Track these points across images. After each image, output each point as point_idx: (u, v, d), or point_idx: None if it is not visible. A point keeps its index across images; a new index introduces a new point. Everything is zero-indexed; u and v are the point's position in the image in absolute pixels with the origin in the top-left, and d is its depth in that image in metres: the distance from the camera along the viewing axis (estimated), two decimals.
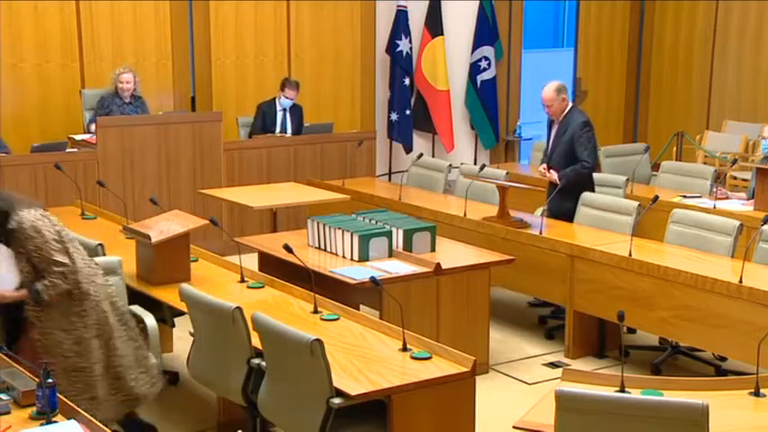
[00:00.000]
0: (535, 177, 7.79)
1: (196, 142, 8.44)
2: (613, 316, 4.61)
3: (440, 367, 4.05)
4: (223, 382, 4.46)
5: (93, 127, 8.28)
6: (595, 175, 7.39)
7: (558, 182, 6.72)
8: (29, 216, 4.24)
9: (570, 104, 6.88)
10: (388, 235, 5.78)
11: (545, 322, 6.94)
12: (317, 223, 5.96)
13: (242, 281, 5.29)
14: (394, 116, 10.58)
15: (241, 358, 4.28)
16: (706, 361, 6.15)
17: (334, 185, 8.01)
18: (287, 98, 9.13)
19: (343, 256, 5.76)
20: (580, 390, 3.54)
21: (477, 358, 4.06)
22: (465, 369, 4.01)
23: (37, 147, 7.92)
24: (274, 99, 9.24)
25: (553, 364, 6.20)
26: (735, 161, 8.85)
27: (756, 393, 3.82)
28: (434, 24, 10.71)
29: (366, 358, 4.15)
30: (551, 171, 6.83)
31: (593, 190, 6.90)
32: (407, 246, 5.85)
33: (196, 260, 5.60)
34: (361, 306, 5.60)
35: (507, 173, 7.60)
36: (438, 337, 5.35)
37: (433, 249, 5.95)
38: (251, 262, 5.79)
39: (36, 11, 8.81)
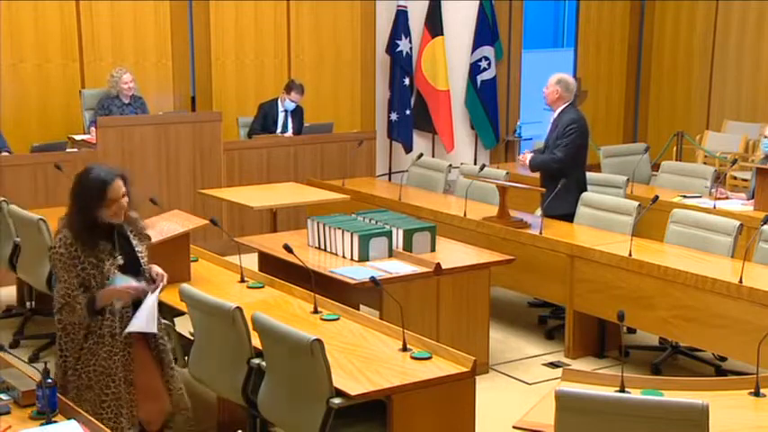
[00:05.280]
0: (535, 177, 7.78)
1: (196, 142, 8.43)
2: (613, 316, 4.62)
3: (440, 367, 4.05)
4: (223, 382, 4.46)
5: (93, 130, 8.27)
6: (596, 175, 7.38)
7: (528, 164, 6.93)
8: None
9: (567, 104, 6.85)
10: (388, 235, 5.77)
11: (545, 322, 6.94)
12: (317, 223, 5.96)
13: (242, 281, 5.29)
14: (394, 116, 10.57)
15: (241, 358, 4.27)
16: (706, 361, 6.15)
17: (334, 185, 8.00)
18: (292, 101, 9.13)
19: (343, 256, 5.75)
20: (580, 390, 3.54)
21: (477, 358, 4.06)
22: (465, 369, 4.01)
23: (37, 147, 7.92)
24: (276, 99, 9.23)
25: (553, 364, 6.19)
26: (735, 161, 8.85)
27: (756, 393, 3.82)
28: (434, 24, 10.70)
29: (366, 358, 4.15)
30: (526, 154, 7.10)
31: (585, 189, 6.88)
32: (407, 246, 5.85)
33: (196, 260, 5.60)
34: (361, 306, 5.61)
35: (507, 173, 7.60)
36: (438, 337, 5.35)
37: (433, 249, 5.95)
38: (251, 262, 5.79)
39: (36, 11, 8.81)
